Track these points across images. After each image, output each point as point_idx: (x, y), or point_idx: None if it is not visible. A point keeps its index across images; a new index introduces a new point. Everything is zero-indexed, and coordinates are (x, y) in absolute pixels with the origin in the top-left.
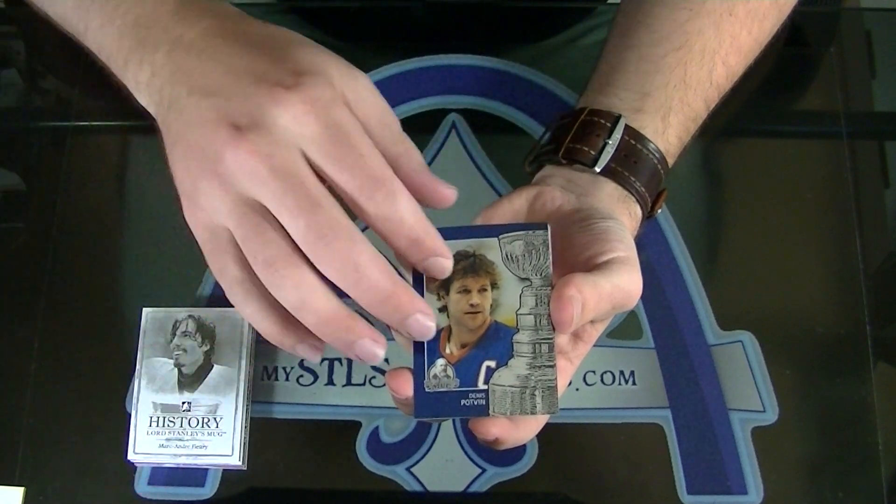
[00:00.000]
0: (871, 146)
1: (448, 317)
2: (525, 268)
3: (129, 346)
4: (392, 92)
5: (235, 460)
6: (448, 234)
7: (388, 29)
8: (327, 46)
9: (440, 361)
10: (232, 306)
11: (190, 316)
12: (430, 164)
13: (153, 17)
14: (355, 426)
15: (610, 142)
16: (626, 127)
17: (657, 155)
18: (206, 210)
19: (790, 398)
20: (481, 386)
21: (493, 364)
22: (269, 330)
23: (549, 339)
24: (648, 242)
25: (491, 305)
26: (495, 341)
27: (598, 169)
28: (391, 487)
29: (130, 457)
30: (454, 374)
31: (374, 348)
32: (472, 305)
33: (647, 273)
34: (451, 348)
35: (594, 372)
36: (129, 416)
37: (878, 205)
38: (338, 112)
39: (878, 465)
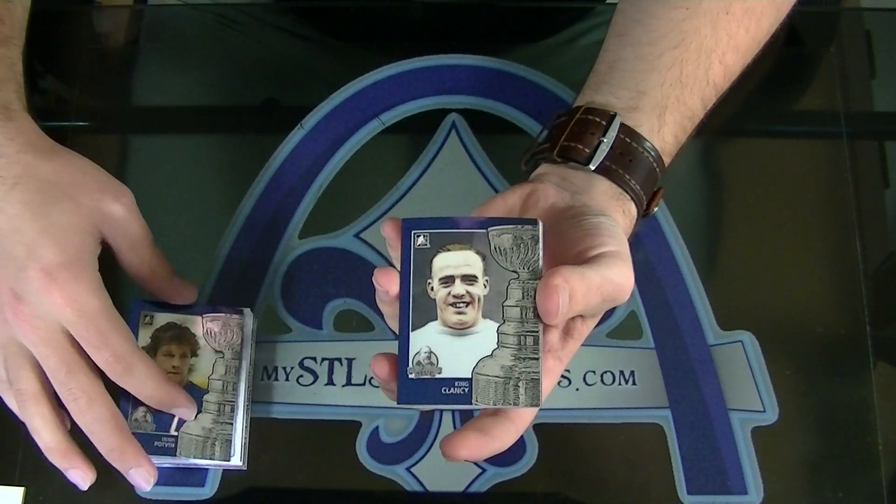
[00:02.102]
0: (871, 146)
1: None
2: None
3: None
4: (392, 92)
5: (235, 460)
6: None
7: (388, 29)
8: (327, 46)
9: (142, 408)
10: (231, 307)
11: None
12: (430, 164)
13: None
14: (355, 426)
15: (605, 140)
16: (622, 125)
17: (653, 153)
18: None
19: (790, 398)
20: (172, 432)
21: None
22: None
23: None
24: (648, 242)
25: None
26: None
27: (592, 167)
28: (391, 487)
29: None
30: (152, 419)
31: (80, 480)
32: None
33: (647, 273)
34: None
35: (594, 372)
36: None
37: (878, 205)
38: (87, 301)
39: (878, 465)
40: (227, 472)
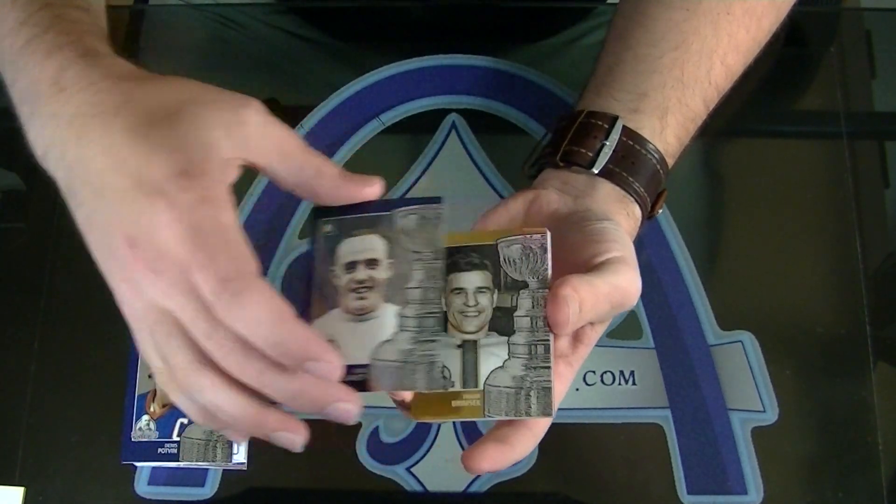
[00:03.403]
0: (871, 146)
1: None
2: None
3: (128, 346)
4: (392, 92)
5: (237, 460)
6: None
7: (388, 29)
8: (327, 46)
9: (145, 417)
10: None
11: None
12: (429, 164)
13: (37, 86)
14: (355, 426)
15: (607, 143)
16: (624, 128)
17: (656, 155)
18: (125, 304)
19: (790, 398)
20: (175, 438)
21: (185, 421)
22: (194, 416)
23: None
24: (648, 242)
25: None
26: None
27: (595, 171)
28: (391, 487)
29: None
30: (155, 427)
31: (291, 436)
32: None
33: (647, 273)
34: (154, 407)
35: (594, 372)
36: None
37: (878, 205)
38: (199, 214)
39: (878, 465)
40: (227, 472)
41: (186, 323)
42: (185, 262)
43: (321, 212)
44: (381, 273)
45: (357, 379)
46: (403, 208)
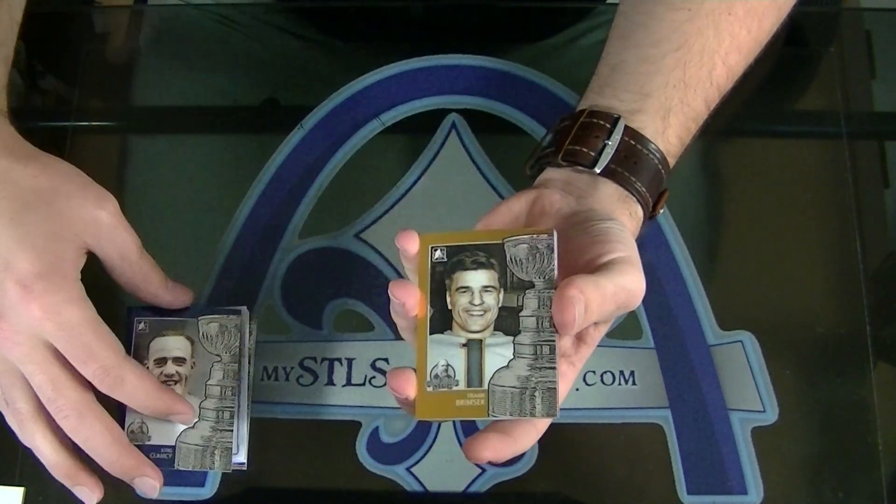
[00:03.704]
0: (871, 146)
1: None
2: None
3: (128, 347)
4: (392, 92)
5: (237, 460)
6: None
7: (388, 29)
8: (327, 46)
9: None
10: (231, 305)
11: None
12: (429, 164)
13: None
14: (355, 426)
15: (609, 143)
16: (626, 128)
17: (658, 155)
18: None
19: (790, 398)
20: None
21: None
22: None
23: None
24: (648, 243)
25: None
26: None
27: (597, 170)
28: (391, 487)
29: None
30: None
31: (86, 498)
32: None
33: (647, 273)
34: None
35: (594, 372)
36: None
37: (878, 205)
38: (68, 313)
39: (878, 465)
40: (227, 472)
41: (34, 386)
42: (64, 350)
43: (137, 311)
44: (186, 369)
45: (164, 458)
46: (206, 316)
